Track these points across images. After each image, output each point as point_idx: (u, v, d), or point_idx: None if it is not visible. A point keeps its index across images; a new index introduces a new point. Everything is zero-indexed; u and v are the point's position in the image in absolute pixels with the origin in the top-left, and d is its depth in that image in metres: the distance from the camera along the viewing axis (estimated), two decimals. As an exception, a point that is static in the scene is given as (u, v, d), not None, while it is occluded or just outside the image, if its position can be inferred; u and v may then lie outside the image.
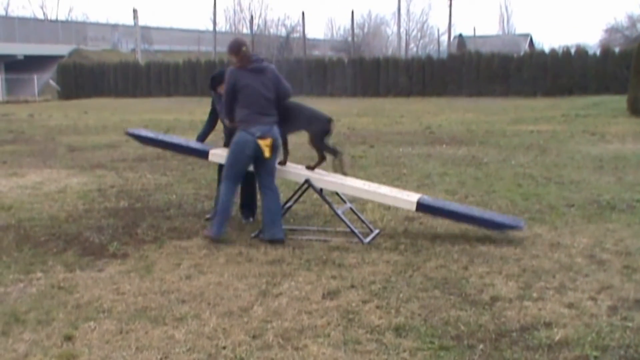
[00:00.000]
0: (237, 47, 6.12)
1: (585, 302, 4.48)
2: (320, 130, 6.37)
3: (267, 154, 6.03)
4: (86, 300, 4.68)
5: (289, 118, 6.33)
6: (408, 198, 6.32)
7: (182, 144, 7.09)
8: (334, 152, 6.48)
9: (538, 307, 4.40)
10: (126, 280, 5.12)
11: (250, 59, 6.11)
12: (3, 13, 49.58)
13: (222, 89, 6.44)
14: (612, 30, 53.45)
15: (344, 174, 6.54)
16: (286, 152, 6.55)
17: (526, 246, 5.86)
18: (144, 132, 7.62)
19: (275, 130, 6.13)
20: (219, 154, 6.56)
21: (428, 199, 6.49)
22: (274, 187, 6.26)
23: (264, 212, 6.21)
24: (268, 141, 6.00)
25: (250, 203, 6.99)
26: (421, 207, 6.24)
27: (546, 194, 8.04)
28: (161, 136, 7.58)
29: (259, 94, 6.04)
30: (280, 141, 6.20)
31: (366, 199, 6.72)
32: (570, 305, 4.43)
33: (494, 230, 6.20)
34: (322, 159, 6.47)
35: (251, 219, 6.94)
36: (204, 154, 6.73)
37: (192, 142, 7.07)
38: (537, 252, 5.67)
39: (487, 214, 6.58)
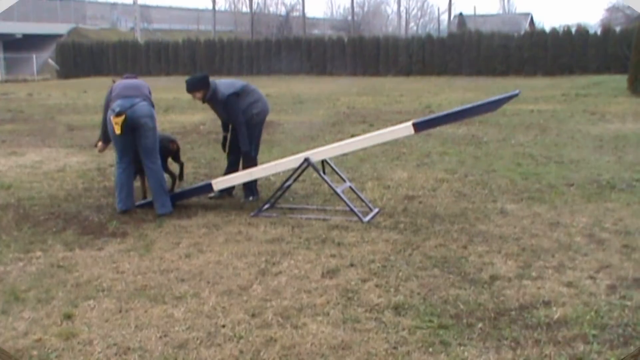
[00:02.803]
0: None
1: (584, 281, 4.49)
2: (162, 149, 6.80)
3: (117, 130, 6.25)
4: (86, 279, 4.68)
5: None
6: (403, 126, 6.28)
7: None
8: (171, 175, 7.11)
9: (537, 286, 4.41)
10: (125, 259, 5.13)
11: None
12: (1, -9, 49.20)
13: (198, 95, 6.83)
14: (613, 9, 53.16)
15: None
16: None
17: (525, 225, 5.86)
18: None
19: (141, 107, 6.32)
20: None
21: (421, 118, 6.51)
22: (155, 166, 6.50)
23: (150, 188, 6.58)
24: (119, 119, 6.21)
25: (250, 182, 6.96)
26: (419, 126, 6.16)
27: (546, 173, 8.03)
28: None
29: (126, 83, 6.56)
30: (146, 120, 6.34)
31: (368, 145, 6.95)
32: (569, 284, 4.43)
33: (495, 110, 6.57)
34: (173, 177, 7.15)
35: (251, 198, 6.94)
36: None
37: None
38: (537, 231, 5.67)
39: (480, 101, 6.63)
